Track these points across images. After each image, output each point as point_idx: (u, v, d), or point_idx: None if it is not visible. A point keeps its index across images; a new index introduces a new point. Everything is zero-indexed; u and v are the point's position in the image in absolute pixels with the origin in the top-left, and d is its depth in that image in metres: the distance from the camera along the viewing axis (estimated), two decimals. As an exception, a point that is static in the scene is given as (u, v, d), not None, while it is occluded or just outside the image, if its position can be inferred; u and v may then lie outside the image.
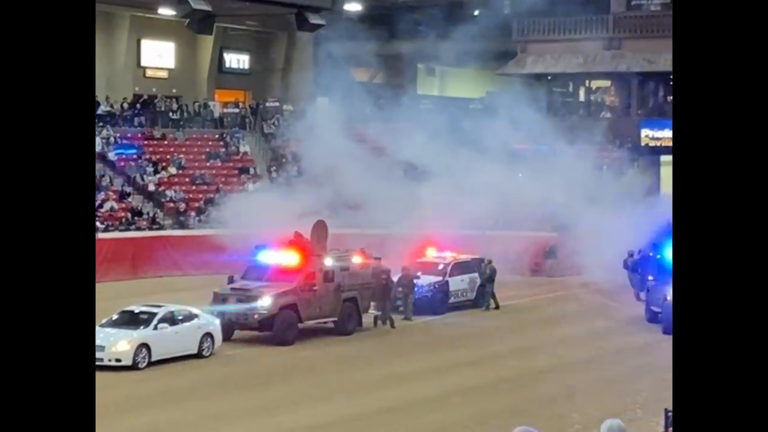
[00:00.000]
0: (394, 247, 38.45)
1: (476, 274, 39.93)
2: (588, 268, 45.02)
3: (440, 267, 39.17)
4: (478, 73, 62.48)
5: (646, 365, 30.21)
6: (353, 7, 56.27)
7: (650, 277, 36.95)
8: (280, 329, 32.55)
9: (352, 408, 25.05)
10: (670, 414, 18.90)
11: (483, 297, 39.96)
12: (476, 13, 59.17)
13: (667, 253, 33.01)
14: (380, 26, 55.40)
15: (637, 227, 47.01)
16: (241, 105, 60.08)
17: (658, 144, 55.94)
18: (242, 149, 56.11)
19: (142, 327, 29.31)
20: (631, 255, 40.14)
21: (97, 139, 52.03)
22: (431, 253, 40.34)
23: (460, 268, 39.77)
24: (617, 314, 38.81)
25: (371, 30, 54.48)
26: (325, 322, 34.27)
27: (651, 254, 38.86)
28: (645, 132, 56.08)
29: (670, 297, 31.63)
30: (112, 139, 52.73)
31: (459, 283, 39.25)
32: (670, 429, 18.24)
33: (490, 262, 40.18)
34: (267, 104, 59.92)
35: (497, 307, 39.67)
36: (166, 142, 54.77)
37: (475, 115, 56.09)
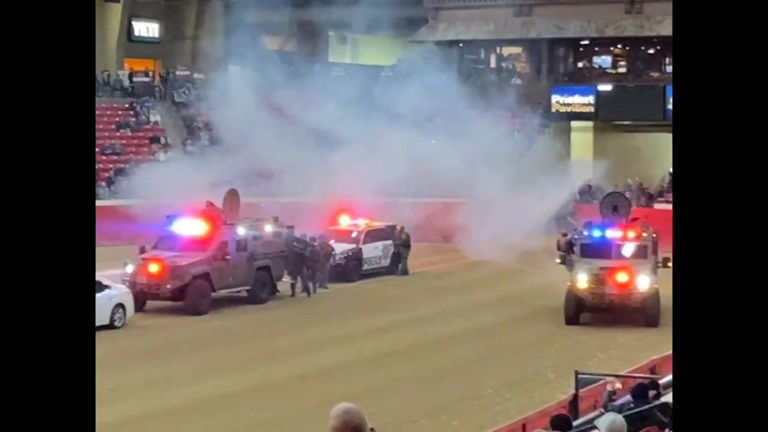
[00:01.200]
0: (307, 215, 38.35)
1: (390, 242, 40.05)
2: (500, 234, 45.26)
3: (353, 235, 39.24)
4: (389, 40, 62.44)
5: (557, 329, 30.55)
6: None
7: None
8: (192, 299, 32.46)
9: (264, 376, 25.07)
10: (581, 376, 19.12)
11: (397, 264, 40.14)
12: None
13: (596, 233, 32.21)
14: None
15: (546, 193, 47.55)
16: (150, 73, 59.53)
17: (569, 110, 56.31)
18: (153, 118, 55.63)
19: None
20: (564, 235, 40.20)
21: None
22: (344, 221, 40.38)
23: (374, 235, 39.86)
24: (530, 280, 39.06)
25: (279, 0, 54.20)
26: (239, 291, 34.24)
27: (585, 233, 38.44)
28: (555, 98, 56.34)
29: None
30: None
31: (372, 251, 39.34)
32: (581, 390, 18.44)
33: (402, 228, 40.32)
34: (177, 73, 59.40)
35: (407, 273, 39.89)
36: (75, 112, 54.15)
37: (387, 83, 56.02)
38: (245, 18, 54.79)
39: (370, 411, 17.56)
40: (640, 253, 31.78)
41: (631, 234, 32.20)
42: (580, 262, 31.54)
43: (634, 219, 33.96)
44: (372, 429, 6.93)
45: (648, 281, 30.61)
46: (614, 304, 30.97)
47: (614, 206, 33.36)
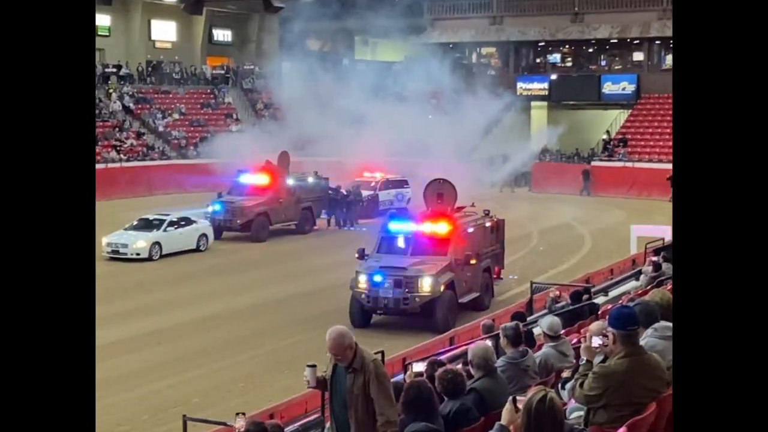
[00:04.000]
0: (339, 170, 38.34)
1: (400, 189, 39.92)
2: (478, 183, 45.34)
3: (372, 184, 39.22)
4: (399, 42, 62.01)
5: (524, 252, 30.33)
6: (307, -5, 55.63)
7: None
8: (255, 230, 32.61)
9: (308, 286, 25.19)
10: (535, 285, 19.20)
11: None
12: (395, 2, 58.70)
13: (394, 225, 21.98)
14: (327, 7, 54.73)
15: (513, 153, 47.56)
16: (225, 67, 59.37)
17: (529, 93, 56.23)
18: (227, 100, 55.56)
19: (155, 230, 29.25)
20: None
21: (121, 94, 51.31)
22: (366, 174, 40.37)
23: (387, 184, 39.85)
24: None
25: (321, 10, 53.92)
26: (289, 225, 34.32)
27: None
28: (520, 84, 56.08)
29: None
30: (131, 94, 52.01)
31: (386, 196, 39.32)
32: (534, 296, 18.56)
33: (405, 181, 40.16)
34: (245, 67, 59.29)
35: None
36: (170, 96, 54.08)
37: (397, 74, 55.83)
38: (294, 26, 54.67)
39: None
40: (437, 249, 21.15)
41: (440, 227, 21.39)
42: (369, 258, 21.36)
43: (460, 208, 23.11)
44: (382, 351, 6.92)
45: (429, 283, 20.13)
46: (390, 309, 20.54)
47: (439, 193, 22.77)
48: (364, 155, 40.53)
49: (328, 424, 8.31)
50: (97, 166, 44.25)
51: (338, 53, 64.01)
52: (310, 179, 35.41)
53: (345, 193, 36.23)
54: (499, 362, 8.15)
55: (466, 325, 18.08)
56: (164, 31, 60.97)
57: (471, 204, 23.97)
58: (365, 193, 37.93)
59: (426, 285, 20.15)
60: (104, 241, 28.62)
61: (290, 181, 34.40)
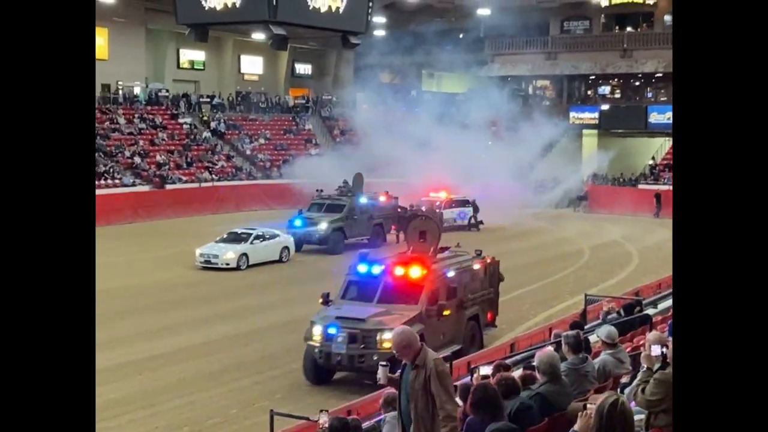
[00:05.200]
0: (407, 190, 38.28)
1: (462, 208, 39.79)
2: (533, 204, 44.99)
3: (437, 203, 39.09)
4: (462, 75, 61.93)
5: (572, 267, 29.98)
6: (380, 32, 55.77)
7: None
8: (332, 243, 32.65)
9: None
10: (589, 297, 18.88)
11: (473, 222, 39.82)
12: (461, 36, 58.58)
13: (362, 268, 17.13)
14: (398, 43, 54.93)
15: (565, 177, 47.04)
16: (306, 97, 59.86)
17: (581, 122, 55.76)
18: (307, 127, 55.93)
19: (243, 242, 29.45)
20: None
21: (214, 121, 51.98)
22: (432, 194, 40.25)
23: (450, 203, 39.71)
24: (552, 234, 38.56)
25: (392, 45, 54.15)
26: (362, 239, 34.32)
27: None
28: (572, 114, 55.66)
29: None
30: (222, 120, 52.64)
31: (450, 214, 39.17)
32: (588, 307, 18.23)
33: (474, 201, 39.92)
34: (323, 97, 59.70)
35: (469, 228, 39.39)
36: (257, 122, 54.64)
37: (460, 104, 55.71)
38: (368, 61, 54.96)
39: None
40: (408, 297, 16.62)
41: (413, 270, 16.78)
42: (332, 304, 16.95)
43: (443, 248, 18.82)
44: (422, 344, 6.88)
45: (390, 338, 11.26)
46: (344, 366, 16.25)
47: (422, 231, 18.26)
48: (429, 177, 40.45)
49: (390, 416, 8.21)
50: (192, 185, 44.88)
51: (407, 85, 64.13)
52: (382, 198, 35.41)
53: (413, 211, 36.10)
54: (561, 367, 7.99)
55: (527, 332, 17.83)
56: (252, 65, 61.82)
57: (456, 244, 20.12)
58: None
59: (384, 340, 15.41)
60: (197, 252, 28.94)
61: (363, 200, 34.43)
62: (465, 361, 13.65)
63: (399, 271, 16.86)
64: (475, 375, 8.94)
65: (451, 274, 17.52)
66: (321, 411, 7.86)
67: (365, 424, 10.01)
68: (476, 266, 18.74)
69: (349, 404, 12.10)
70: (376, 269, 17.00)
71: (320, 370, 16.46)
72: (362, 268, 17.16)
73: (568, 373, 8.10)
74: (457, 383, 9.25)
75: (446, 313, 16.66)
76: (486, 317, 19.00)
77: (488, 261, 19.49)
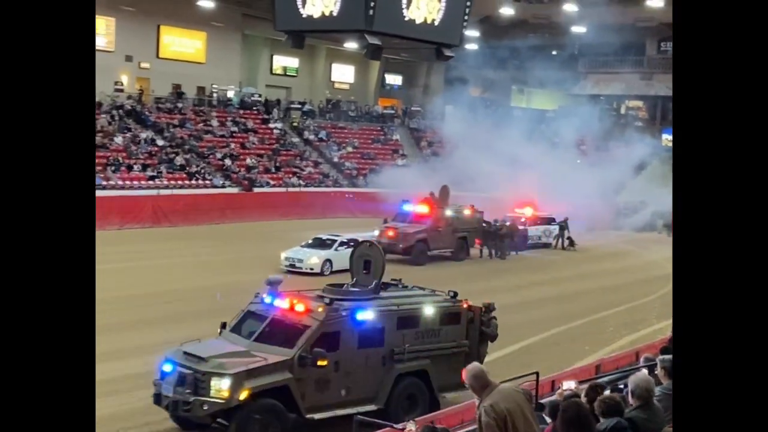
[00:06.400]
0: (493, 205, 38.09)
1: (548, 226, 39.40)
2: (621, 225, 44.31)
3: (522, 220, 38.78)
4: (553, 92, 61.42)
5: (663, 287, 29.45)
6: (472, 46, 55.68)
7: None
8: (416, 254, 32.65)
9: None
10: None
11: (558, 240, 39.37)
12: (554, 52, 58.15)
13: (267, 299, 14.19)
14: (489, 58, 54.77)
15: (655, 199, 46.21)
16: (395, 108, 60.13)
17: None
18: (395, 137, 56.18)
19: (327, 248, 29.66)
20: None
21: (303, 127, 52.62)
22: (517, 210, 39.94)
23: (536, 221, 39.35)
24: (641, 257, 37.88)
25: (483, 60, 54.02)
26: (445, 252, 34.23)
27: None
28: (665, 136, 54.59)
29: None
30: (311, 127, 53.24)
31: (535, 231, 38.81)
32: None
33: (566, 219, 39.36)
34: (412, 108, 59.89)
35: (564, 248, 38.94)
36: (345, 130, 55.11)
37: (550, 121, 55.29)
38: (458, 74, 54.93)
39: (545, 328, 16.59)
40: (288, 339, 13.57)
41: (299, 307, 13.89)
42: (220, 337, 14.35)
43: (388, 284, 16.20)
44: (490, 385, 6.64)
45: (226, 386, 12.64)
46: (172, 413, 13.45)
47: (366, 261, 15.70)
48: (516, 192, 40.16)
49: None
50: (279, 189, 45.46)
51: (496, 100, 63.89)
52: (466, 211, 35.27)
53: (497, 226, 35.93)
54: (656, 391, 7.83)
55: (612, 354, 17.54)
56: (343, 74, 62.48)
57: (399, 279, 16.98)
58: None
59: (219, 387, 12.72)
60: (282, 255, 29.28)
61: (448, 212, 34.36)
62: (550, 380, 13.50)
63: (285, 305, 14.02)
64: (558, 391, 8.89)
65: (369, 315, 14.07)
66: (409, 420, 7.87)
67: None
68: (428, 311, 15.00)
69: (431, 415, 12.08)
70: (276, 301, 14.25)
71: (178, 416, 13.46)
72: (267, 299, 14.42)
73: (662, 398, 7.91)
74: (544, 400, 9.22)
75: (321, 363, 13.26)
76: (452, 376, 13.98)
77: (465, 307, 15.72)
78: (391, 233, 32.83)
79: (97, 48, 45.93)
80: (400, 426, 8.71)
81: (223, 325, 14.52)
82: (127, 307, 22.15)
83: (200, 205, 39.96)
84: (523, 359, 18.84)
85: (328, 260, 29.24)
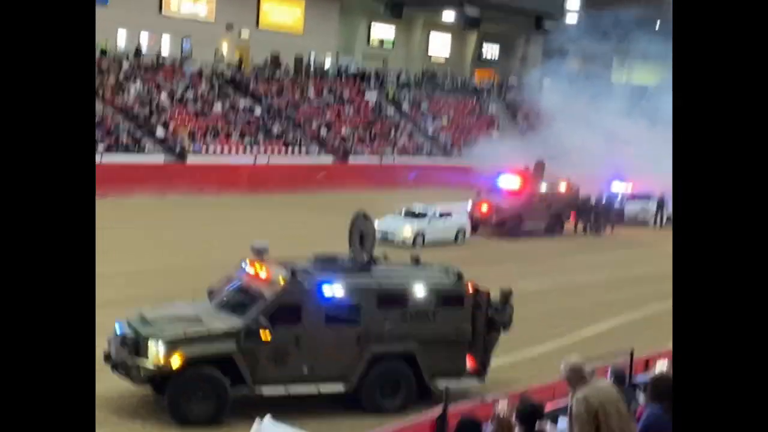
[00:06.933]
0: (588, 180, 37.44)
1: (646, 201, 38.60)
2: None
3: (619, 196, 38.10)
4: (655, 66, 59.82)
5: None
6: (572, 17, 54.67)
7: None
8: (509, 228, 32.42)
9: (549, 282, 24.69)
10: None
11: (657, 217, 38.56)
12: (658, 23, 56.59)
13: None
14: (590, 30, 53.62)
15: None
16: (491, 81, 59.59)
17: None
18: (490, 110, 55.75)
19: (420, 220, 29.69)
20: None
21: (398, 99, 52.62)
22: (614, 186, 39.21)
23: (633, 197, 38.63)
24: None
25: (584, 32, 52.94)
26: (539, 227, 33.88)
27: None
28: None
29: None
30: (407, 98, 53.22)
31: (632, 206, 38.12)
32: None
33: (662, 195, 38.57)
34: (509, 81, 59.27)
35: (661, 226, 38.07)
36: (441, 102, 54.93)
37: (650, 97, 53.91)
38: (557, 45, 53.96)
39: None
40: (244, 307, 13.20)
41: (262, 274, 13.61)
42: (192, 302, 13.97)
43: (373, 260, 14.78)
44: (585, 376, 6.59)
45: (161, 352, 12.41)
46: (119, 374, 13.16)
47: (361, 234, 14.72)
48: (612, 167, 39.40)
49: None
50: (373, 160, 45.60)
51: (596, 73, 62.60)
52: (561, 187, 34.78)
53: (593, 202, 35.38)
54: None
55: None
56: (440, 46, 62.21)
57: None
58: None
59: (154, 351, 12.34)
60: (375, 226, 29.36)
61: (542, 187, 33.94)
62: (643, 359, 13.29)
63: (251, 271, 13.61)
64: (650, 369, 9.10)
65: (332, 289, 13.15)
66: (496, 399, 7.86)
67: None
68: (418, 290, 13.84)
69: (521, 389, 11.99)
70: (247, 267, 13.85)
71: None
72: (243, 265, 13.98)
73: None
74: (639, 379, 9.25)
75: (264, 337, 12.61)
76: (449, 363, 13.81)
77: (470, 290, 14.33)
78: (485, 207, 32.64)
79: (197, 18, 46.74)
80: (490, 399, 8.71)
81: (211, 292, 14.01)
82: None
83: (296, 174, 40.45)
84: (618, 336, 18.62)
85: (421, 233, 29.25)
